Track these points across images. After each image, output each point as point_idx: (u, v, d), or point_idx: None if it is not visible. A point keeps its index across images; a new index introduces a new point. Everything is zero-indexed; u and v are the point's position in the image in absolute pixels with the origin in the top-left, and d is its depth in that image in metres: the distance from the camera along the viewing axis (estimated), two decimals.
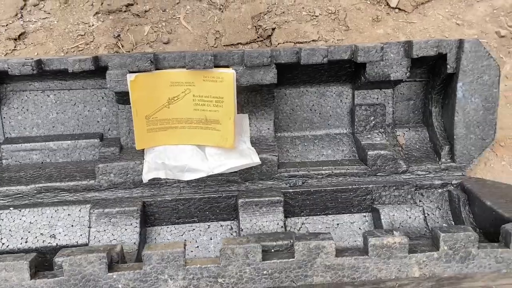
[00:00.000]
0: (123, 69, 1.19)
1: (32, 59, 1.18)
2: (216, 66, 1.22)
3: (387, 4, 1.73)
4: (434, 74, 1.35)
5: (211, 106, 1.25)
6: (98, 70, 1.19)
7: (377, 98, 1.38)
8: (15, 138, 1.32)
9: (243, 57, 1.21)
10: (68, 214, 1.20)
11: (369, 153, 1.28)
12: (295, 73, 1.34)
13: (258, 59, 1.20)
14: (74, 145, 1.32)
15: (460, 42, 1.24)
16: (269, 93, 1.31)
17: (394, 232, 0.95)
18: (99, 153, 1.28)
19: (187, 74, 1.23)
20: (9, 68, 1.16)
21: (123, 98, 1.26)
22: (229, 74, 1.21)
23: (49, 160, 1.32)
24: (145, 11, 1.68)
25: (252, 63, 1.20)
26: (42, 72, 1.21)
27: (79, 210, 1.20)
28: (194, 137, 1.28)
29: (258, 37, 1.66)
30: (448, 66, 1.26)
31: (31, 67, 1.15)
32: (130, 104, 1.27)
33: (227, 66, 1.24)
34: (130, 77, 1.19)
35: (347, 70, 1.35)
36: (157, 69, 1.22)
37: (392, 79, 1.26)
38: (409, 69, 1.25)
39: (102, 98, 1.35)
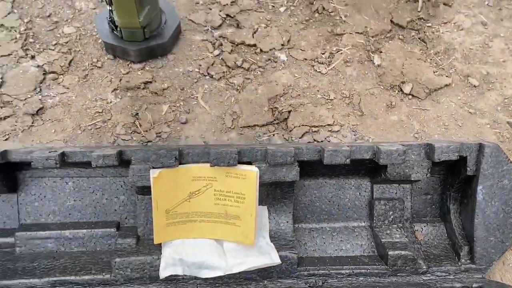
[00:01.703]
0: (146, 164, 1.19)
1: (56, 151, 1.17)
2: (239, 162, 1.22)
3: (401, 90, 1.77)
4: (453, 173, 1.37)
5: (232, 202, 1.24)
6: (121, 163, 1.19)
7: (396, 193, 1.39)
8: (30, 225, 1.30)
9: (266, 155, 1.21)
10: None
11: (389, 253, 1.27)
12: (315, 166, 1.34)
13: (281, 158, 1.20)
14: (90, 234, 1.29)
15: (480, 146, 1.26)
16: (289, 187, 1.31)
17: None
18: (116, 245, 1.26)
19: (209, 169, 1.23)
20: (32, 161, 1.15)
21: (143, 190, 1.25)
22: (252, 172, 1.21)
23: (63, 249, 1.29)
24: (163, 89, 1.71)
25: (275, 162, 1.21)
26: (64, 164, 1.20)
27: None
28: (213, 231, 1.27)
29: (275, 120, 1.68)
30: (468, 169, 1.27)
31: (54, 161, 1.15)
32: (149, 195, 1.26)
33: (249, 162, 1.24)
34: (154, 173, 1.18)
35: (367, 166, 1.36)
36: (179, 163, 1.22)
37: (412, 179, 1.26)
38: (429, 170, 1.26)
39: (121, 186, 1.34)
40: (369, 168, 1.37)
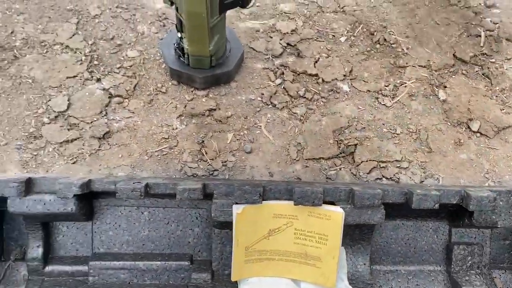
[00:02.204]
0: (229, 198, 1.17)
1: (140, 182, 1.16)
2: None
3: (468, 127, 1.73)
4: None
5: (313, 242, 1.21)
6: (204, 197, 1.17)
7: (475, 238, 1.34)
8: (103, 254, 1.28)
9: (351, 196, 1.18)
10: None
11: None
12: (394, 207, 1.31)
13: (369, 200, 1.17)
14: (163, 266, 1.27)
15: None
16: (369, 228, 1.28)
17: None
18: (190, 279, 1.23)
19: (292, 207, 1.20)
20: (117, 192, 1.14)
21: (221, 224, 1.23)
22: (338, 214, 1.18)
23: (136, 281, 1.26)
24: (227, 117, 1.69)
25: (362, 204, 1.17)
26: (147, 195, 1.19)
27: None
28: (291, 270, 1.23)
29: (341, 153, 1.65)
30: None
31: (139, 192, 1.13)
32: (226, 229, 1.24)
33: (332, 202, 1.21)
34: (237, 209, 1.16)
35: (448, 209, 1.32)
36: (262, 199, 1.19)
37: (499, 226, 1.22)
38: None
39: (196, 218, 1.32)
40: (450, 211, 1.33)
